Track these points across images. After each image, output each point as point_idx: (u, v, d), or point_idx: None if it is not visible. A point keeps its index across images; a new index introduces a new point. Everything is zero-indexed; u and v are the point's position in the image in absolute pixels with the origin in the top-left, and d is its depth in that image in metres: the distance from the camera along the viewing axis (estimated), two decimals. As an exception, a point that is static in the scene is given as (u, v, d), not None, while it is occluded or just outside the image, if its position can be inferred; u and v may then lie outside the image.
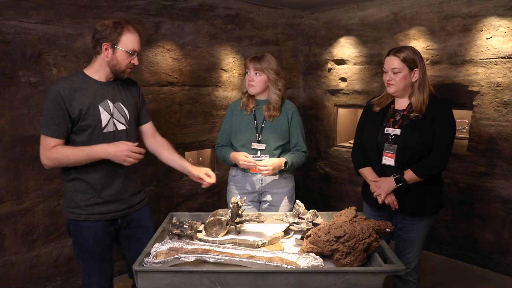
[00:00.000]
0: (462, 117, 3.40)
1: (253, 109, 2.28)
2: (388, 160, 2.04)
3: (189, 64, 3.30)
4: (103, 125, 1.78)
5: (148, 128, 2.05)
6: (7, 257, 2.46)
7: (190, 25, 3.24)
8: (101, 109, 1.78)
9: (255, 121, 2.27)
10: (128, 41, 1.75)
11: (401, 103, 2.08)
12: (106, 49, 1.75)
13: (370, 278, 1.33)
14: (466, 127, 3.37)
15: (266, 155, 2.22)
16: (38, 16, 2.42)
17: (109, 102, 1.81)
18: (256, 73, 2.19)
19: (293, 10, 4.09)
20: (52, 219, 2.63)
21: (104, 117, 1.79)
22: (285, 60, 4.14)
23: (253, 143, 2.25)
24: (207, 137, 3.54)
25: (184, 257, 1.38)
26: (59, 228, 2.68)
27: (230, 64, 3.60)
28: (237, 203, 1.77)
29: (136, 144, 1.77)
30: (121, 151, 1.71)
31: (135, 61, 1.81)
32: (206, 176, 1.96)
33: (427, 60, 3.28)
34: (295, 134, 2.30)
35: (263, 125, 2.26)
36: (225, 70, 3.57)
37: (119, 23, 1.75)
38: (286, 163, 2.20)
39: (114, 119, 1.82)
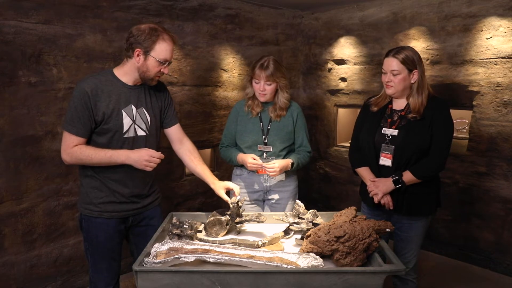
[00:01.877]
0: (462, 117, 3.40)
1: (259, 112, 2.29)
2: (385, 160, 2.03)
3: (189, 64, 3.30)
4: (124, 130, 1.79)
5: (174, 132, 2.02)
6: (7, 257, 2.46)
7: (190, 25, 3.24)
8: (124, 114, 1.77)
9: (261, 123, 2.27)
10: (162, 50, 1.73)
11: (399, 104, 2.08)
12: (138, 55, 1.72)
13: (370, 278, 1.33)
14: (466, 127, 3.37)
15: (273, 157, 2.23)
16: (38, 16, 2.42)
17: (133, 107, 1.80)
18: (268, 83, 2.19)
19: (293, 10, 4.09)
20: (52, 219, 2.63)
21: (126, 122, 1.78)
22: (285, 60, 4.13)
23: (259, 145, 2.26)
24: (207, 137, 3.54)
25: (184, 257, 1.38)
26: (59, 228, 2.68)
27: (230, 64, 3.60)
28: (237, 203, 1.78)
29: (160, 153, 1.78)
30: (142, 157, 1.73)
31: (165, 70, 1.79)
32: (227, 191, 1.98)
33: (427, 60, 3.28)
34: (300, 134, 2.31)
35: (269, 127, 2.26)
36: (225, 70, 3.57)
37: (155, 30, 1.72)
38: (292, 164, 2.21)
39: (135, 125, 1.82)
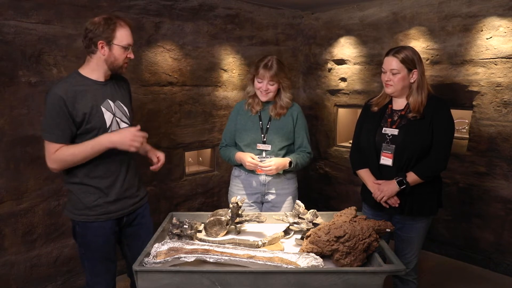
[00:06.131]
0: (462, 117, 3.40)
1: (259, 110, 2.29)
2: (386, 160, 2.04)
3: (189, 64, 3.30)
4: (108, 125, 1.79)
5: None
6: (7, 257, 2.46)
7: (190, 25, 3.24)
8: (103, 109, 1.78)
9: (260, 122, 2.27)
10: (123, 36, 1.74)
11: (399, 103, 2.08)
12: (102, 47, 1.72)
13: (370, 278, 1.33)
14: (466, 127, 3.37)
15: (272, 155, 2.22)
16: (38, 16, 2.42)
17: (109, 101, 1.81)
18: (271, 83, 2.19)
19: (293, 10, 4.09)
20: (52, 219, 2.63)
21: (108, 117, 1.79)
22: (285, 60, 4.13)
23: (258, 144, 2.25)
24: (207, 137, 3.54)
25: (184, 257, 1.38)
26: (59, 228, 2.67)
27: (230, 64, 3.60)
28: (237, 203, 1.77)
29: (138, 127, 1.78)
30: (126, 137, 1.73)
31: (131, 55, 1.80)
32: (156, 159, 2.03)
33: (427, 60, 3.28)
34: (300, 135, 2.30)
35: (268, 126, 2.26)
36: (225, 70, 3.57)
37: (110, 19, 1.73)
38: (290, 163, 2.20)
39: (116, 118, 1.83)
